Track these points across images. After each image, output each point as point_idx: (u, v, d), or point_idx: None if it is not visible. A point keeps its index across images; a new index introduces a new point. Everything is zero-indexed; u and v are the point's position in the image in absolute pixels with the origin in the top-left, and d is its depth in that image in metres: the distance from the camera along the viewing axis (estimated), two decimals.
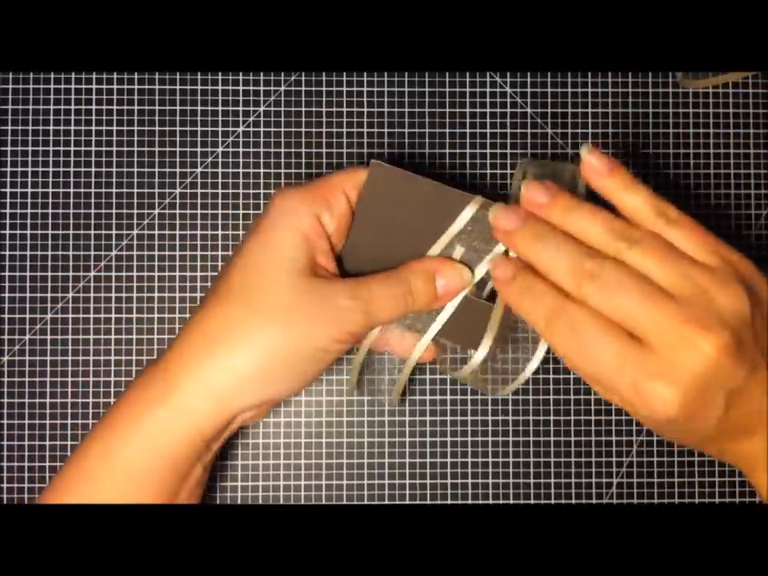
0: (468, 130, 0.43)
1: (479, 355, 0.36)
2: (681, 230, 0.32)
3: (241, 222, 0.43)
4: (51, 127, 0.43)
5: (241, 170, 0.43)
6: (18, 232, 0.42)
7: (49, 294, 0.42)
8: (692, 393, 0.30)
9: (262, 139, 0.43)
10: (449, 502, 0.43)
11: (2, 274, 0.42)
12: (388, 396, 0.41)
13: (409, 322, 0.37)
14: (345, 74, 0.43)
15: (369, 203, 0.36)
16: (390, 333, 0.37)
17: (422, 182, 0.35)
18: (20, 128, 0.43)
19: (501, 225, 0.34)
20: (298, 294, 0.33)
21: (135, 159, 0.43)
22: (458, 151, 0.43)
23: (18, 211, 0.43)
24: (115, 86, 0.43)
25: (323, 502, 0.42)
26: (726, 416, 0.31)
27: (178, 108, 0.43)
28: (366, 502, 0.42)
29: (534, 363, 0.37)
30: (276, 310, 0.33)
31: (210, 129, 0.43)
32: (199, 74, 0.43)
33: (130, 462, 0.34)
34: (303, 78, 0.43)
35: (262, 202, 0.43)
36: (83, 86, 0.43)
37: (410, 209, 0.36)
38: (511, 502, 0.43)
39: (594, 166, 0.33)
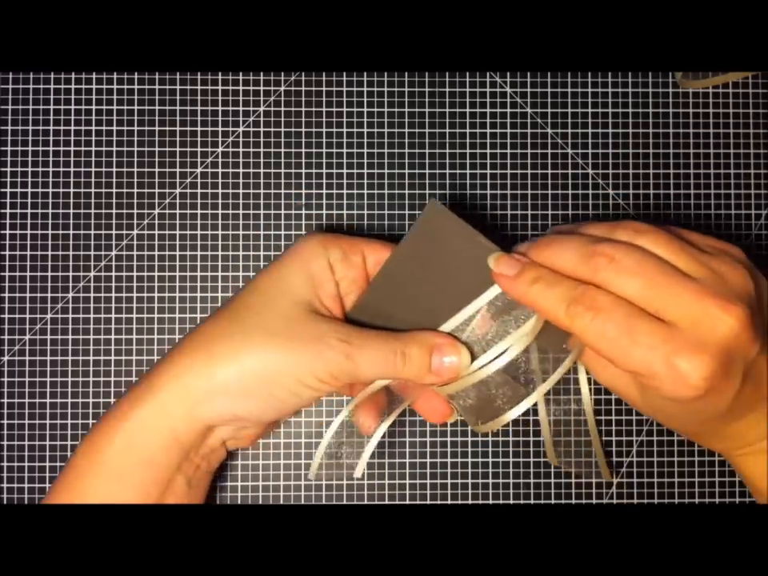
0: (468, 130, 0.43)
1: (485, 428, 0.36)
2: (653, 236, 0.33)
3: (241, 221, 0.43)
4: (51, 127, 0.43)
5: (241, 170, 0.43)
6: (18, 232, 0.42)
7: (49, 294, 0.42)
8: (720, 366, 0.30)
9: (261, 139, 0.43)
10: (449, 502, 0.43)
11: (2, 274, 0.42)
12: (347, 470, 0.39)
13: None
14: (345, 73, 0.43)
15: (409, 247, 0.35)
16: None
17: (472, 235, 0.34)
18: (20, 128, 0.43)
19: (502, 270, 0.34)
20: (291, 322, 0.34)
21: (135, 159, 0.43)
22: (458, 151, 0.43)
23: (18, 211, 0.43)
24: (115, 86, 0.43)
25: (323, 502, 0.42)
26: (741, 391, 0.32)
27: (178, 108, 0.43)
28: (365, 502, 0.42)
29: (520, 409, 0.35)
30: (265, 331, 0.34)
31: (209, 129, 0.43)
32: (199, 74, 0.43)
33: (111, 460, 0.34)
34: (303, 78, 0.43)
35: (261, 201, 0.43)
36: (83, 86, 0.43)
37: (448, 263, 0.35)
38: (511, 501, 0.43)
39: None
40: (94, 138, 0.43)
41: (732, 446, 0.36)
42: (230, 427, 0.36)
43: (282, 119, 0.43)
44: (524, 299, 0.33)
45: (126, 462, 0.34)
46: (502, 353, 0.35)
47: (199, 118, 0.43)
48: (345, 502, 0.42)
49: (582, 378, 0.40)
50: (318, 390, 0.34)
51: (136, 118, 0.43)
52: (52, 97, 0.43)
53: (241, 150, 0.43)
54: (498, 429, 0.39)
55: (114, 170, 0.43)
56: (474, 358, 0.35)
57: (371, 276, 0.37)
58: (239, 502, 0.42)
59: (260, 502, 0.42)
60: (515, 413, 0.35)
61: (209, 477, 0.37)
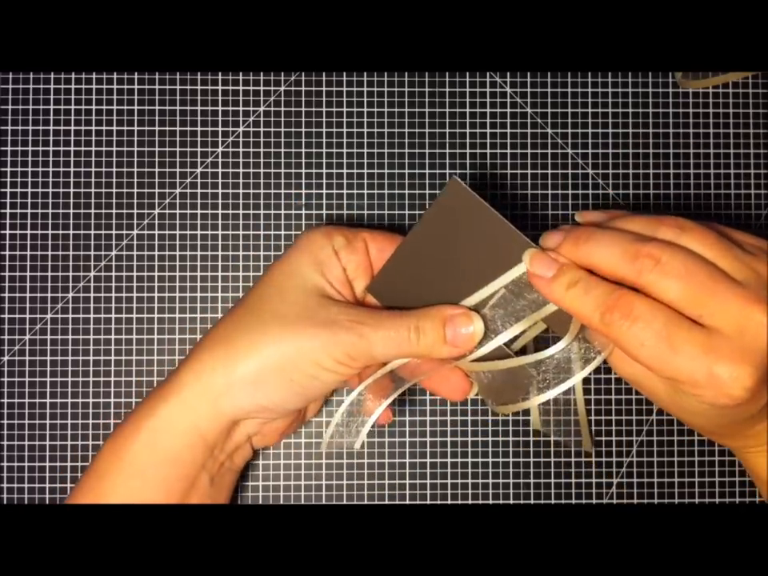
0: (468, 130, 0.43)
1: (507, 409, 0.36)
2: (699, 234, 0.32)
3: (241, 221, 0.43)
4: (51, 127, 0.43)
5: (241, 170, 0.43)
6: (18, 232, 0.42)
7: (49, 294, 0.42)
8: (762, 375, 0.30)
9: (261, 139, 0.43)
10: (449, 502, 0.43)
11: (2, 274, 0.42)
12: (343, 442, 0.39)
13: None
14: (345, 73, 0.43)
15: (427, 225, 0.35)
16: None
17: (492, 215, 0.34)
18: (20, 128, 0.43)
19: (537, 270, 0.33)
20: (305, 309, 0.35)
21: (135, 159, 0.43)
22: (458, 151, 0.43)
23: (18, 211, 0.42)
24: (115, 86, 0.43)
25: (323, 502, 0.42)
26: None
27: (178, 108, 0.43)
28: (365, 502, 0.42)
29: (543, 398, 0.35)
30: (281, 319, 0.34)
31: (209, 129, 0.43)
32: (199, 74, 0.43)
33: (135, 459, 0.34)
34: (303, 78, 0.43)
35: (262, 201, 0.43)
36: (83, 86, 0.43)
37: (467, 242, 0.35)
38: (511, 501, 0.43)
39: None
40: (94, 138, 0.43)
41: (748, 445, 0.36)
42: (255, 421, 0.36)
43: (282, 119, 0.43)
44: (559, 304, 0.32)
45: (151, 460, 0.34)
46: (534, 342, 0.35)
47: (199, 118, 0.43)
48: (345, 502, 0.42)
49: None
50: (337, 372, 0.34)
51: (136, 117, 0.43)
52: (52, 97, 0.43)
53: (241, 150, 0.43)
54: (518, 412, 0.39)
55: (114, 170, 0.43)
56: (490, 338, 0.35)
57: (374, 264, 0.38)
58: (239, 503, 0.42)
59: (260, 502, 0.42)
60: (539, 400, 0.35)
61: (232, 475, 0.37)
